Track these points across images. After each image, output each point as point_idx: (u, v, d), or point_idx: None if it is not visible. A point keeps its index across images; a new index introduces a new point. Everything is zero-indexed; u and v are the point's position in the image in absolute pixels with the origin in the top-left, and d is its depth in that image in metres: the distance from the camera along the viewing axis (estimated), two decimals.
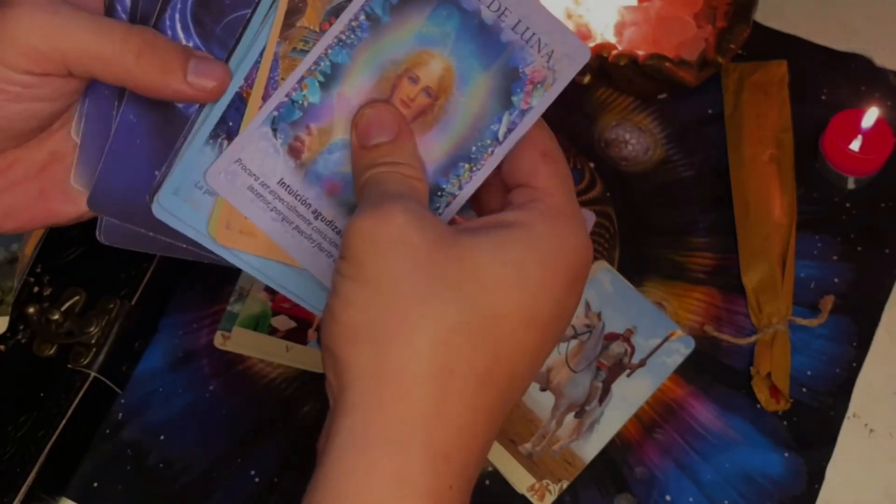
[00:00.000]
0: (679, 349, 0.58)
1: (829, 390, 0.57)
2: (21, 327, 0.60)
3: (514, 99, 0.35)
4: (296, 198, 0.36)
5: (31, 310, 0.60)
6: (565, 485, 0.55)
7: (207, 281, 0.64)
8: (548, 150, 0.36)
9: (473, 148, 0.36)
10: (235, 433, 0.59)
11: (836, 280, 0.60)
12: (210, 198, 0.36)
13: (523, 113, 0.36)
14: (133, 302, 0.60)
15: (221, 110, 0.35)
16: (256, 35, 0.35)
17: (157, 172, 0.36)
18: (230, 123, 0.36)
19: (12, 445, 0.57)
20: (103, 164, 0.36)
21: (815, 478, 0.55)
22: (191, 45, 0.36)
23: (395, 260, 0.31)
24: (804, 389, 0.57)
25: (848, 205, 0.62)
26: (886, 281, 0.60)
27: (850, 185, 0.62)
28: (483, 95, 0.35)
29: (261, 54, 0.35)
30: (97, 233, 0.37)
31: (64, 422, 0.57)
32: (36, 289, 0.61)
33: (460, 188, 0.36)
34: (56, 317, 0.60)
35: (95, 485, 0.59)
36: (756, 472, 0.55)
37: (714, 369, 0.58)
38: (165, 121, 0.36)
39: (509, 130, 0.36)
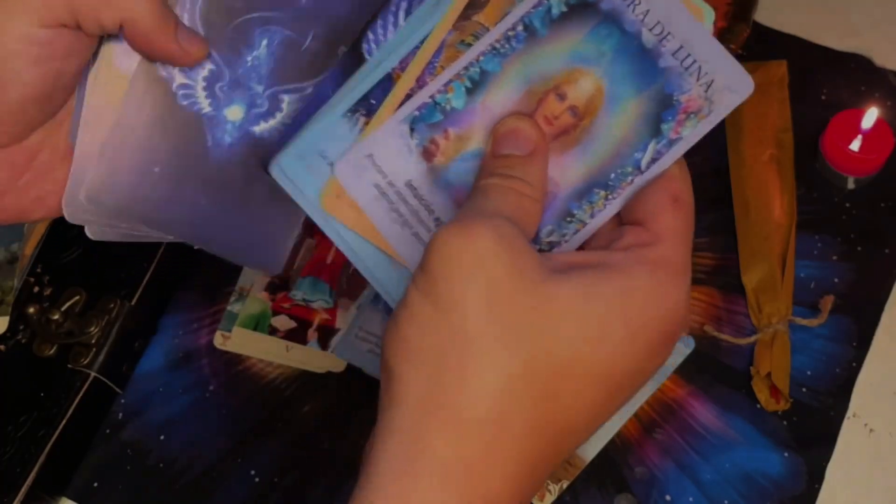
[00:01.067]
0: (679, 349, 0.58)
1: (829, 390, 0.57)
2: (21, 327, 0.60)
3: (664, 127, 0.34)
4: (421, 202, 0.34)
5: (32, 310, 0.60)
6: (565, 485, 0.55)
7: (207, 281, 0.64)
8: (680, 194, 0.33)
9: (612, 175, 0.34)
10: (235, 433, 0.59)
11: (836, 280, 0.60)
12: (330, 169, 0.35)
13: (671, 143, 0.34)
14: (133, 302, 0.60)
15: (368, 86, 0.34)
16: (422, 21, 0.34)
17: (156, 169, 0.36)
18: (372, 101, 0.34)
19: (12, 445, 0.57)
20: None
21: (815, 478, 0.55)
22: None
23: (470, 285, 0.29)
24: (804, 389, 0.57)
25: (848, 205, 0.62)
26: (886, 281, 0.60)
27: (850, 185, 0.62)
28: (631, 120, 0.34)
29: (422, 40, 0.34)
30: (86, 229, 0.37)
31: (64, 422, 0.57)
32: (36, 289, 0.61)
33: (592, 216, 0.34)
34: (56, 317, 0.60)
35: (95, 485, 0.59)
36: (756, 471, 0.55)
37: (714, 369, 0.58)
38: (167, 117, 0.36)
39: (654, 160, 0.34)
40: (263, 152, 0.37)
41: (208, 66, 0.36)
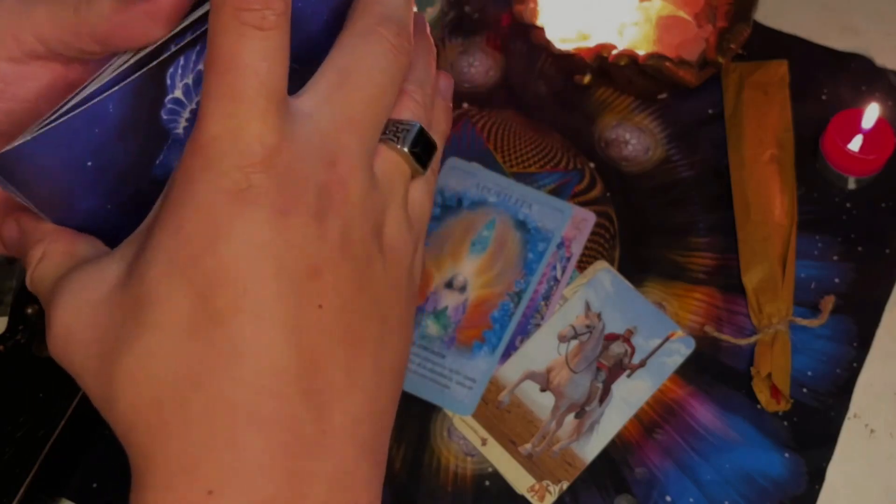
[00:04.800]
0: (679, 349, 0.58)
1: (829, 391, 0.57)
2: (20, 327, 0.60)
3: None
4: None
5: (30, 310, 0.60)
6: (565, 485, 0.55)
7: None
8: None
9: None
10: None
11: (836, 280, 0.60)
12: None
13: None
14: None
15: None
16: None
17: (89, 163, 0.33)
18: None
19: (11, 445, 0.56)
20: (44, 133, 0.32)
21: (816, 478, 0.55)
22: None
23: None
24: (805, 390, 0.57)
25: (848, 205, 0.62)
26: (887, 281, 0.60)
27: (851, 185, 0.62)
28: None
29: None
30: None
31: (63, 422, 0.57)
32: None
33: None
34: None
35: (95, 485, 0.59)
36: (756, 472, 0.55)
37: (714, 370, 0.58)
38: (142, 126, 0.34)
39: None
40: None
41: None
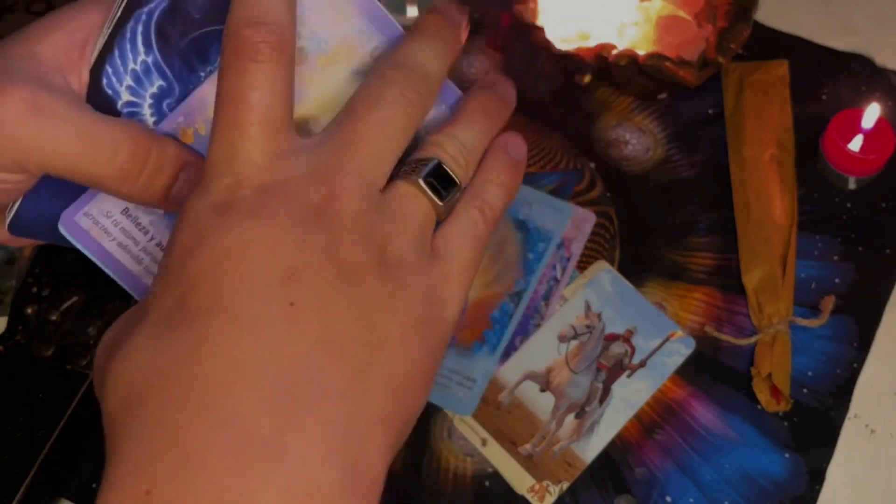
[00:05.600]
0: (679, 350, 0.58)
1: (829, 391, 0.57)
2: (19, 328, 0.60)
3: None
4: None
5: (30, 310, 0.60)
6: (565, 486, 0.55)
7: None
8: None
9: None
10: None
11: (836, 280, 0.60)
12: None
13: None
14: (131, 302, 0.60)
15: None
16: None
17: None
18: None
19: (11, 446, 0.56)
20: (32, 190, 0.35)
21: (816, 478, 0.55)
22: (149, 59, 0.35)
23: None
24: (805, 390, 0.57)
25: (848, 205, 0.62)
26: (887, 281, 0.60)
27: (851, 185, 0.62)
28: None
29: None
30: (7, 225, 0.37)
31: (63, 422, 0.57)
32: (35, 289, 0.61)
33: None
34: (54, 317, 0.60)
35: (94, 485, 0.59)
36: (757, 472, 0.55)
37: (714, 370, 0.58)
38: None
39: None
40: None
41: (158, 82, 0.35)
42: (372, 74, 0.34)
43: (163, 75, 0.35)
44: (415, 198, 0.32)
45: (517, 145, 0.37)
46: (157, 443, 0.26)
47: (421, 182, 0.33)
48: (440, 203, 0.33)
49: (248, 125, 0.30)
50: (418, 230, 0.32)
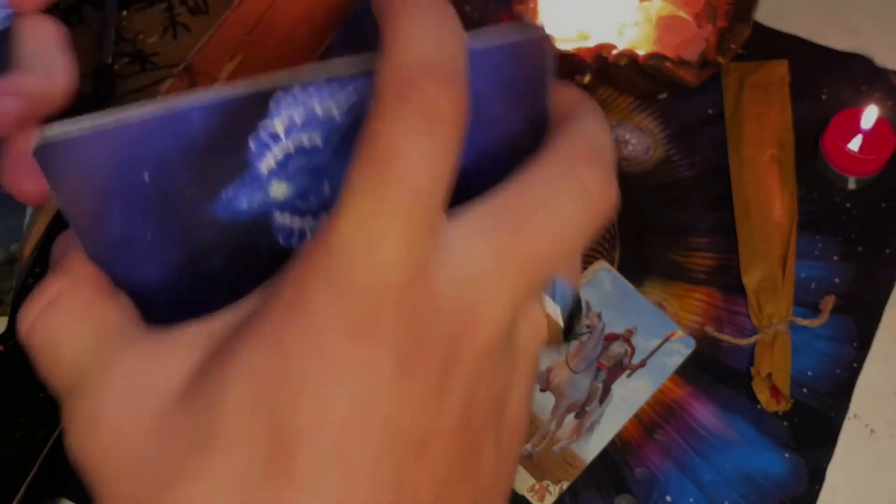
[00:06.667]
0: (679, 349, 0.58)
1: (829, 391, 0.57)
2: None
3: None
4: None
5: None
6: (565, 485, 0.55)
7: None
8: None
9: None
10: None
11: (836, 280, 0.60)
12: None
13: None
14: None
15: None
16: None
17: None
18: None
19: (11, 446, 0.56)
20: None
21: (816, 478, 0.55)
22: None
23: None
24: (805, 390, 0.57)
25: (848, 205, 0.62)
26: (887, 281, 0.60)
27: (851, 185, 0.62)
28: None
29: None
30: None
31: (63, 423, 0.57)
32: None
33: None
34: None
35: None
36: (757, 472, 0.55)
37: (714, 370, 0.58)
38: (223, 149, 0.27)
39: None
40: (257, 236, 0.28)
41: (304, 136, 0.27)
42: (553, 160, 0.26)
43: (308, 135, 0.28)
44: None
45: None
46: None
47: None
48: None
49: (408, 206, 0.21)
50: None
